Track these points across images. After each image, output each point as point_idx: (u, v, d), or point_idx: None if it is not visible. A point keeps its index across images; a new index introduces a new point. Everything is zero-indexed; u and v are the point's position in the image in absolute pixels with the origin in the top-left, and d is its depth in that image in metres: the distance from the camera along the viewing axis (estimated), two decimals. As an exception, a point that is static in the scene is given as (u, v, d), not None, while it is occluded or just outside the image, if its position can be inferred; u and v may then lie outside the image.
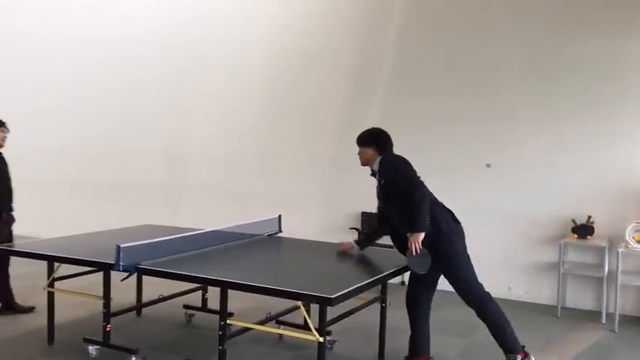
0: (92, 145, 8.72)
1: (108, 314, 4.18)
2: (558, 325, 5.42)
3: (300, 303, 3.42)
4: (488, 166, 6.28)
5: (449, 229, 3.88)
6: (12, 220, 5.27)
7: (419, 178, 3.90)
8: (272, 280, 3.54)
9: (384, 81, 6.88)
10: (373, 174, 4.07)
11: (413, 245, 3.75)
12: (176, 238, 4.20)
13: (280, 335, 4.55)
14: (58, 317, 4.59)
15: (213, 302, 4.44)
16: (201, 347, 4.57)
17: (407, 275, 4.13)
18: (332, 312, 3.40)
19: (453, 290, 3.96)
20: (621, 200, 5.72)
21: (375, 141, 4.04)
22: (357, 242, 4.40)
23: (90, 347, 4.24)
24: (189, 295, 5.01)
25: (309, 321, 3.41)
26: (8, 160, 5.29)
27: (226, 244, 4.58)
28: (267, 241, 4.97)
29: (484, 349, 3.99)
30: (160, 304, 5.05)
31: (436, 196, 3.98)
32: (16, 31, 9.30)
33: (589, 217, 5.74)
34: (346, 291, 3.25)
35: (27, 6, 9.27)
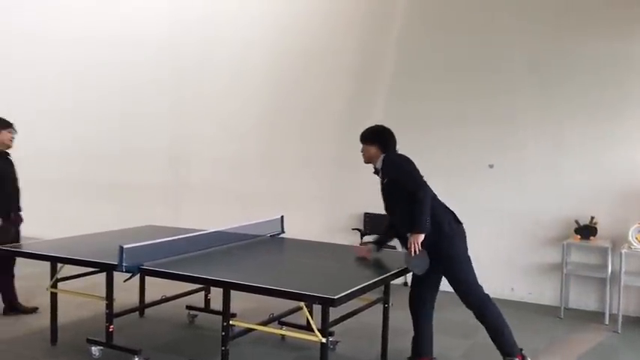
0: (94, 146, 8.73)
1: (111, 315, 4.19)
2: (561, 326, 5.41)
3: (302, 304, 3.42)
4: (491, 166, 6.28)
5: (450, 230, 3.87)
6: (20, 220, 5.29)
7: (422, 177, 3.89)
8: (275, 281, 3.54)
9: (386, 81, 6.88)
10: (376, 172, 4.07)
11: (412, 246, 3.75)
12: (179, 238, 4.21)
13: (283, 336, 4.55)
14: (61, 318, 4.60)
15: (216, 303, 4.45)
16: (204, 348, 4.57)
17: (410, 276, 4.13)
18: (334, 313, 3.40)
19: (455, 291, 3.96)
20: (624, 201, 5.71)
21: (378, 138, 4.04)
22: (375, 242, 4.31)
23: (93, 348, 4.24)
24: (191, 295, 5.01)
25: (311, 322, 3.42)
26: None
27: (229, 245, 4.59)
28: (270, 241, 4.97)
29: (487, 350, 3.99)
30: (162, 304, 5.05)
31: (438, 197, 3.97)
32: (16, 31, 9.31)
33: (592, 218, 5.73)
34: (349, 292, 3.25)
35: (27, 6, 9.28)
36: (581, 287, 5.92)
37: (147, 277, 4.73)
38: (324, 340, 3.30)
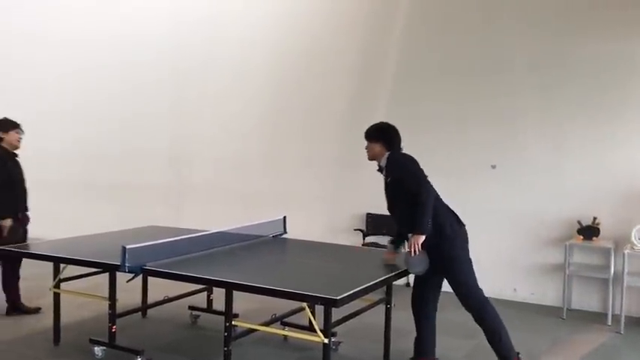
0: (95, 146, 8.73)
1: (113, 315, 4.19)
2: (564, 327, 5.41)
3: (305, 304, 3.42)
4: (493, 167, 6.28)
5: (452, 232, 3.86)
6: (27, 220, 5.33)
7: (426, 177, 3.86)
8: (277, 282, 3.54)
9: (388, 82, 6.88)
10: (380, 169, 4.05)
11: (412, 246, 3.74)
12: (181, 239, 4.21)
13: (285, 336, 4.55)
14: (64, 318, 4.61)
15: (219, 303, 4.45)
16: (207, 348, 4.58)
17: (412, 277, 4.12)
18: (337, 313, 3.40)
19: (457, 292, 3.95)
20: (627, 201, 5.71)
21: (382, 136, 4.01)
22: (392, 243, 4.22)
23: (95, 348, 4.24)
24: (194, 296, 5.01)
25: (314, 322, 3.42)
26: None
27: (231, 246, 4.59)
28: (272, 242, 4.97)
29: (489, 351, 3.97)
30: (165, 305, 5.06)
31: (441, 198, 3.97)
32: (16, 31, 9.31)
33: (594, 219, 5.73)
34: (351, 292, 3.25)
35: (27, 6, 9.28)
36: (583, 288, 5.91)
37: (149, 278, 4.73)
38: (326, 340, 3.30)
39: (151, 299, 5.14)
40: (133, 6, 8.58)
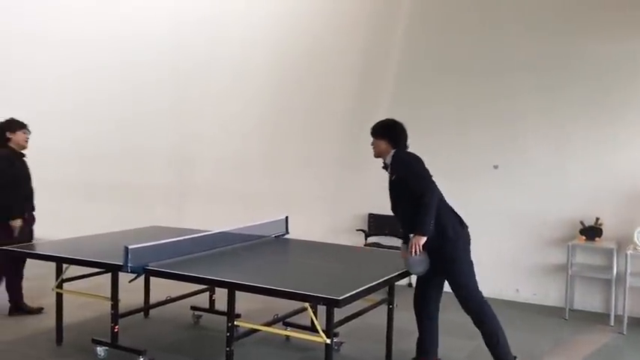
0: (96, 147, 8.74)
1: (116, 315, 4.20)
2: (566, 328, 5.40)
3: (307, 304, 3.42)
4: (496, 167, 6.27)
5: (454, 234, 3.83)
6: (33, 220, 5.36)
7: (431, 177, 3.84)
8: (279, 282, 3.54)
9: (390, 82, 6.87)
10: (385, 167, 4.02)
11: (413, 247, 3.72)
12: (183, 239, 4.22)
13: (287, 337, 4.55)
14: (67, 318, 4.61)
15: (221, 303, 4.45)
16: (209, 348, 4.58)
17: (414, 277, 4.12)
18: (339, 313, 3.41)
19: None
20: (629, 202, 5.70)
21: (388, 133, 3.98)
22: (404, 242, 4.14)
23: (98, 348, 4.25)
24: (196, 296, 5.02)
25: (316, 322, 3.41)
26: (2, 161, 5.26)
27: (234, 246, 4.59)
28: (275, 242, 4.98)
29: (491, 351, 3.99)
30: (167, 305, 5.06)
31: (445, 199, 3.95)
32: (16, 31, 9.33)
33: (597, 219, 5.72)
34: (353, 292, 3.25)
35: (27, 6, 9.30)
36: (586, 288, 5.90)
37: (152, 278, 4.74)
38: (328, 340, 3.31)
39: (153, 299, 5.15)
40: (133, 6, 8.59)
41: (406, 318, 4.30)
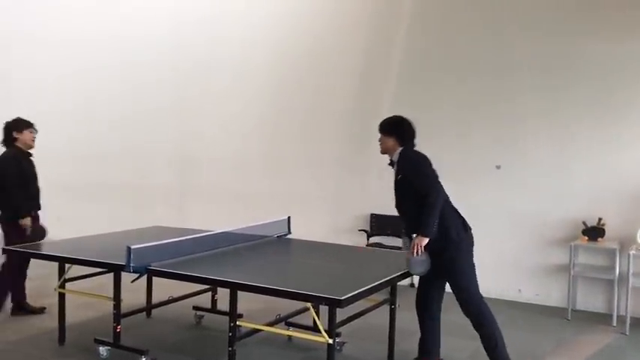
0: (96, 147, 8.73)
1: (118, 315, 4.20)
2: (568, 328, 5.39)
3: (309, 304, 3.42)
4: (498, 167, 6.26)
5: (457, 237, 3.81)
6: (38, 219, 5.37)
7: (437, 178, 3.82)
8: (281, 282, 3.55)
9: (391, 82, 6.87)
10: (391, 163, 3.99)
11: (415, 247, 3.70)
12: (186, 239, 4.22)
13: (290, 337, 4.55)
14: (69, 318, 4.62)
15: (223, 303, 4.45)
16: (211, 348, 4.58)
17: (416, 277, 4.12)
18: (341, 314, 3.40)
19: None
20: (632, 202, 5.69)
21: (396, 130, 3.95)
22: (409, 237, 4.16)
23: (100, 348, 4.26)
24: (198, 296, 5.02)
25: (318, 322, 3.42)
26: (4, 161, 5.26)
27: (236, 246, 4.60)
28: (277, 242, 4.98)
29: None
30: (169, 305, 5.06)
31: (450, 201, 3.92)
32: (16, 31, 9.33)
33: (599, 219, 5.71)
34: (356, 293, 3.25)
35: (27, 6, 9.30)
36: (588, 289, 5.90)
37: (154, 278, 4.75)
38: (330, 340, 3.31)
39: (155, 299, 5.15)
40: (134, 6, 8.59)
41: (408, 318, 4.29)
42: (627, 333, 5.21)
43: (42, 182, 5.50)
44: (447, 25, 6.60)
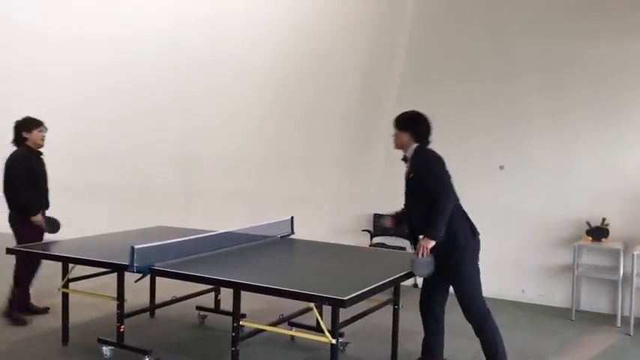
0: (96, 146, 8.75)
1: (122, 315, 4.21)
2: (572, 329, 5.38)
3: (312, 304, 3.41)
4: (501, 167, 6.26)
5: (464, 241, 3.75)
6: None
7: (449, 179, 3.77)
8: (285, 282, 3.55)
9: (394, 82, 6.86)
10: (405, 159, 3.93)
11: (421, 249, 3.67)
12: (189, 239, 4.22)
13: (293, 337, 4.55)
14: (73, 318, 4.63)
15: (226, 303, 4.45)
16: (214, 348, 4.59)
17: (420, 278, 4.11)
18: (344, 314, 3.40)
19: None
20: (636, 203, 5.67)
21: (411, 126, 3.90)
22: (395, 217, 4.19)
23: (104, 348, 4.26)
24: (202, 296, 5.02)
25: (321, 323, 3.41)
26: (13, 161, 5.27)
27: (239, 246, 4.60)
28: (280, 242, 4.98)
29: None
30: (173, 305, 5.07)
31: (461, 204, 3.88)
32: (16, 31, 9.35)
33: (603, 220, 5.70)
34: (359, 293, 3.25)
35: (27, 5, 9.32)
36: (592, 289, 5.88)
37: (157, 278, 4.74)
38: (334, 341, 3.30)
39: (158, 299, 5.16)
40: (134, 5, 8.61)
41: (412, 318, 4.29)
42: (631, 334, 5.19)
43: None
44: (448, 25, 6.60)
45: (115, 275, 4.21)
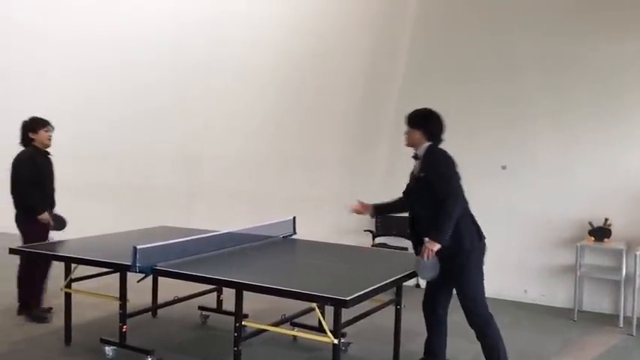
0: (97, 146, 8.75)
1: (124, 315, 4.21)
2: (575, 329, 5.37)
3: (314, 305, 3.42)
4: (504, 167, 6.25)
5: (470, 245, 3.70)
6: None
7: (459, 181, 3.71)
8: (287, 282, 3.55)
9: (396, 82, 6.86)
10: (415, 156, 3.88)
11: (426, 252, 3.61)
12: (191, 239, 4.22)
13: (295, 337, 4.55)
14: (75, 318, 4.63)
15: (228, 304, 4.45)
16: (217, 348, 4.59)
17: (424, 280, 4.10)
18: (347, 314, 3.40)
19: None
20: (638, 203, 5.66)
21: (423, 124, 3.85)
22: (376, 207, 4.20)
23: (106, 348, 4.27)
24: (204, 296, 5.03)
25: (323, 323, 3.42)
26: (19, 161, 5.27)
27: (241, 246, 4.60)
28: (282, 242, 4.98)
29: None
30: (175, 305, 5.07)
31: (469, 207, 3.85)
32: (16, 30, 9.35)
33: (606, 220, 5.69)
34: (361, 293, 3.25)
35: (27, 5, 9.32)
36: (595, 289, 5.87)
37: (160, 278, 4.75)
38: (336, 341, 3.30)
39: (161, 299, 5.16)
40: (134, 5, 8.61)
41: (414, 319, 4.28)
42: (634, 334, 5.19)
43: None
44: (450, 26, 6.59)
45: (117, 275, 4.21)
